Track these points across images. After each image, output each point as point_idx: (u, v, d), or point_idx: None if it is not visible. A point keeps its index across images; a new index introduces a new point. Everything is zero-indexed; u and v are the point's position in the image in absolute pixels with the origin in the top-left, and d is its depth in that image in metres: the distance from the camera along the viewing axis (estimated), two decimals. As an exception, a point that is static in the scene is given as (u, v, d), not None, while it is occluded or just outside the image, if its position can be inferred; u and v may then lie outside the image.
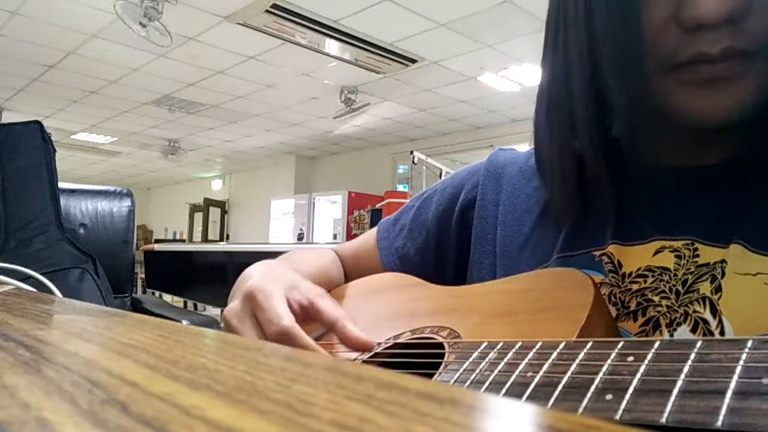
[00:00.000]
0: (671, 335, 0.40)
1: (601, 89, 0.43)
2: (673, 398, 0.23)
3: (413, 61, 4.36)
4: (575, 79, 0.45)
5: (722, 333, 0.38)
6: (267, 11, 3.56)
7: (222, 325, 0.47)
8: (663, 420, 0.22)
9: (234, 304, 0.45)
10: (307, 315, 0.46)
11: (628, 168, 0.48)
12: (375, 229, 0.70)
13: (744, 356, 0.23)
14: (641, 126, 0.44)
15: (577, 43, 0.44)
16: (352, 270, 0.67)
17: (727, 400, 0.21)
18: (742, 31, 0.37)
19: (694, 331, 0.39)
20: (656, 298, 0.42)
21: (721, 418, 0.20)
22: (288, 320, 0.42)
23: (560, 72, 0.46)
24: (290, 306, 0.45)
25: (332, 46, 4.13)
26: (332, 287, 0.63)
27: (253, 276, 0.48)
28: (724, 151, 0.44)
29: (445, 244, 0.62)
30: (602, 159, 0.45)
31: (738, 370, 0.22)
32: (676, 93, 0.40)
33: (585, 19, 0.43)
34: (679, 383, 0.23)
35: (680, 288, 0.41)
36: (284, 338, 0.42)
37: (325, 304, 0.46)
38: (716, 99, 0.38)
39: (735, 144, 0.43)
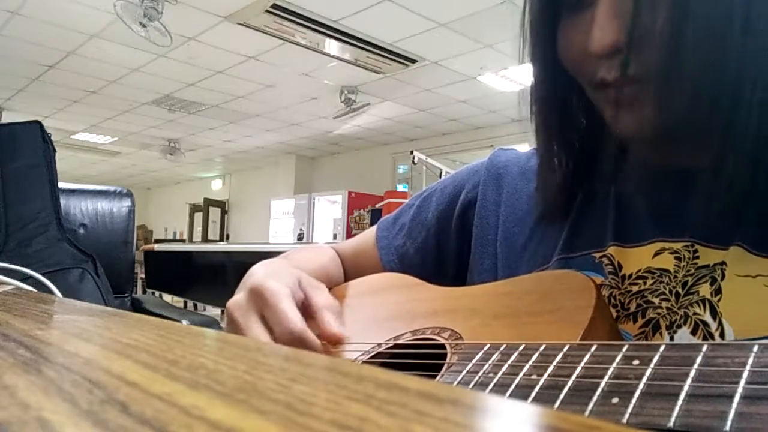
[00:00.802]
0: (671, 337, 0.40)
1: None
2: (680, 402, 0.22)
3: (413, 61, 4.36)
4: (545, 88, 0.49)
5: (722, 335, 0.38)
6: (267, 11, 3.56)
7: (224, 320, 0.48)
8: (671, 424, 0.22)
9: (238, 297, 0.46)
10: (306, 310, 0.46)
11: (629, 169, 0.48)
12: (374, 227, 0.70)
13: (751, 360, 0.23)
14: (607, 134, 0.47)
15: (531, 59, 0.49)
16: (351, 268, 0.67)
17: (734, 405, 0.21)
18: (634, 60, 0.39)
19: (694, 333, 0.39)
20: (656, 300, 0.41)
21: (729, 422, 0.20)
22: (298, 324, 0.42)
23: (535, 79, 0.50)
24: (296, 305, 0.45)
25: (332, 46, 4.13)
26: (332, 285, 0.63)
27: (258, 273, 0.48)
28: (725, 152, 0.44)
29: (444, 243, 0.61)
30: (568, 163, 0.48)
31: (745, 374, 0.22)
32: (602, 107, 0.44)
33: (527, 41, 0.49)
34: (686, 387, 0.23)
35: (680, 290, 0.41)
36: (294, 342, 0.42)
37: (316, 296, 0.47)
38: (624, 117, 0.42)
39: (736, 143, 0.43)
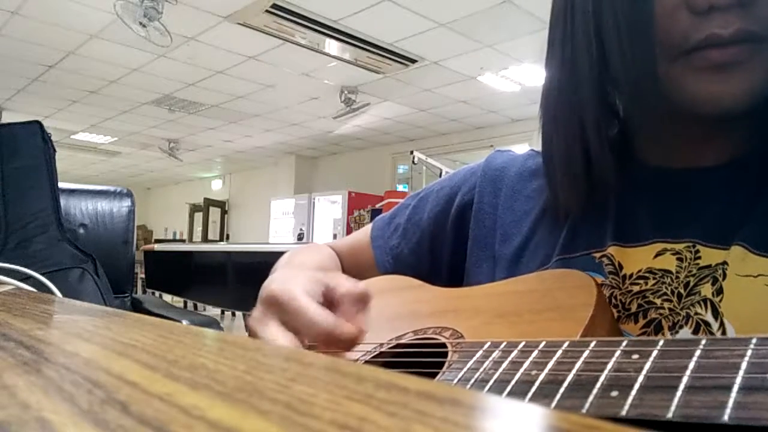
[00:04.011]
0: (673, 337, 0.40)
1: (607, 82, 0.44)
2: (679, 394, 0.23)
3: (413, 61, 4.36)
4: (582, 72, 0.44)
5: (724, 335, 0.38)
6: (267, 11, 3.56)
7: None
8: (669, 415, 0.22)
9: (256, 313, 0.44)
10: (328, 300, 0.44)
11: (630, 169, 0.48)
12: (369, 226, 0.69)
13: (749, 353, 0.23)
14: (647, 121, 0.44)
15: (584, 35, 0.44)
16: (348, 267, 0.68)
17: (733, 395, 0.21)
18: (752, 14, 0.37)
19: (695, 333, 0.39)
20: (658, 301, 0.41)
21: (727, 412, 0.20)
22: (329, 319, 0.40)
23: (568, 66, 0.46)
24: (316, 301, 0.42)
25: (332, 46, 4.13)
26: None
27: (270, 285, 0.46)
28: (727, 152, 0.44)
29: (440, 245, 0.61)
30: (608, 147, 0.45)
31: (744, 366, 0.22)
32: (687, 79, 0.40)
33: (593, 11, 0.43)
34: (685, 379, 0.23)
35: (682, 290, 0.41)
36: (330, 339, 0.39)
37: (341, 280, 0.44)
38: (727, 84, 0.38)
39: (738, 142, 0.43)
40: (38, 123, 1.50)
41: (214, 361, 0.20)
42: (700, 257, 0.41)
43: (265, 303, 0.43)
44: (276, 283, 0.44)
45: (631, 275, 0.44)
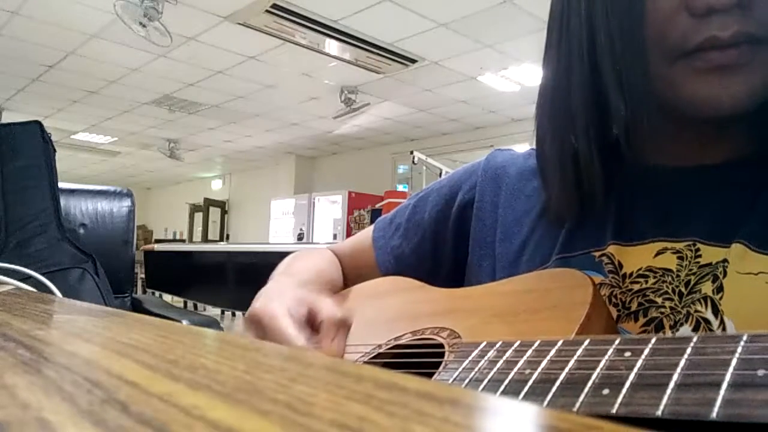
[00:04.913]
0: (673, 335, 0.40)
1: (601, 86, 0.44)
2: (669, 391, 0.23)
3: (413, 61, 4.36)
4: (576, 75, 0.45)
5: (724, 332, 0.38)
6: (267, 11, 3.56)
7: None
8: (659, 413, 0.22)
9: (239, 329, 0.46)
10: (311, 323, 0.46)
11: (629, 168, 0.48)
12: (371, 227, 0.69)
13: (740, 349, 0.23)
14: (643, 123, 0.44)
15: (578, 38, 0.44)
16: (349, 269, 0.67)
17: (722, 392, 0.21)
18: (751, 17, 0.37)
19: (695, 330, 0.39)
20: (659, 300, 0.41)
21: (716, 409, 0.21)
22: (300, 342, 0.42)
23: (562, 69, 0.46)
24: (297, 321, 0.45)
25: (332, 46, 4.13)
26: (333, 289, 0.63)
27: (259, 298, 0.48)
28: (726, 151, 0.44)
29: (441, 244, 0.61)
30: (597, 155, 0.45)
31: (734, 362, 0.22)
32: (685, 81, 0.40)
33: (587, 13, 0.43)
34: (675, 376, 0.23)
35: (683, 289, 0.41)
36: None
37: (321, 308, 0.47)
38: (726, 86, 0.38)
39: (737, 142, 0.43)
40: (38, 123, 1.50)
41: (214, 361, 0.21)
42: (700, 255, 0.41)
43: (248, 321, 0.46)
44: (261, 300, 0.47)
45: (631, 274, 0.44)
